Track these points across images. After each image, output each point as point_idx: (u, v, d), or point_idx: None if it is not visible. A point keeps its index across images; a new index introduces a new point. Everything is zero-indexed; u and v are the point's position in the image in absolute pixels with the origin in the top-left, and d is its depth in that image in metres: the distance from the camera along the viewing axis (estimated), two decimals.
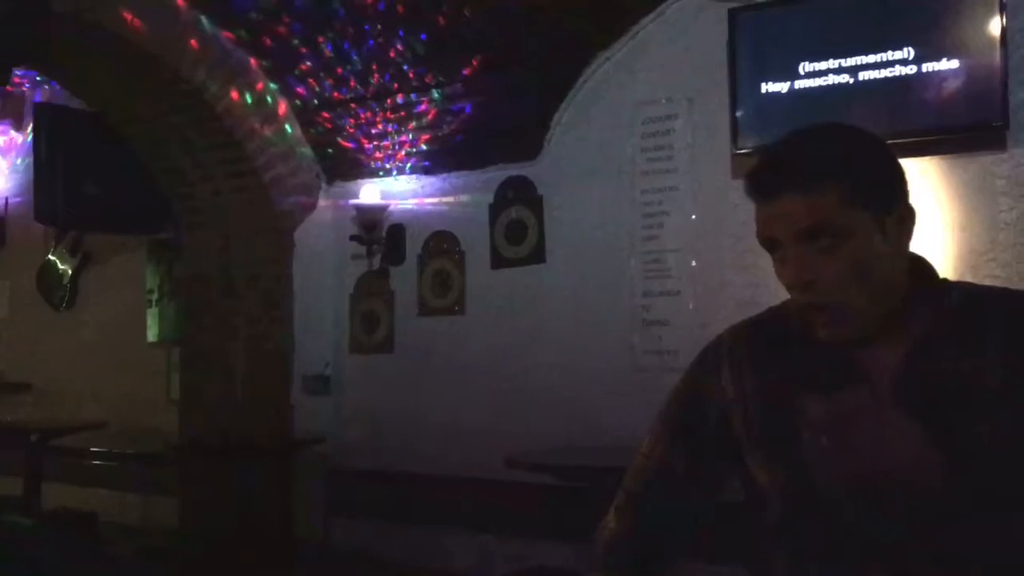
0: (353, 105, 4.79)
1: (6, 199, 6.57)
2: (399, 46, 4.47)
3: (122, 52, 4.32)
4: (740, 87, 3.68)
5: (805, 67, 3.55)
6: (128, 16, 4.23)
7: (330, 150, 4.99)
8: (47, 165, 5.35)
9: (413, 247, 4.80)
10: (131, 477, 5.71)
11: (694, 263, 3.92)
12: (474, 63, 4.38)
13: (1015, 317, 1.20)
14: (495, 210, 4.52)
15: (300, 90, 4.86)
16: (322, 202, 5.07)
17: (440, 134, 4.62)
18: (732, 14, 3.69)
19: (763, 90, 3.64)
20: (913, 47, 3.35)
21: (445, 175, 4.70)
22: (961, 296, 1.22)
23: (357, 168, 4.95)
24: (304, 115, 4.94)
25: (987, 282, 3.27)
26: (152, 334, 5.95)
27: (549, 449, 3.82)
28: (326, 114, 4.89)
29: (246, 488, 4.55)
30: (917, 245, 3.46)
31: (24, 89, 6.14)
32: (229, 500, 4.58)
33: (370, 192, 4.78)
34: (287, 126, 4.94)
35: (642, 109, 4.07)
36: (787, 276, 1.19)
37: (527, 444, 3.86)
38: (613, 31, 4.09)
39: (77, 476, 5.84)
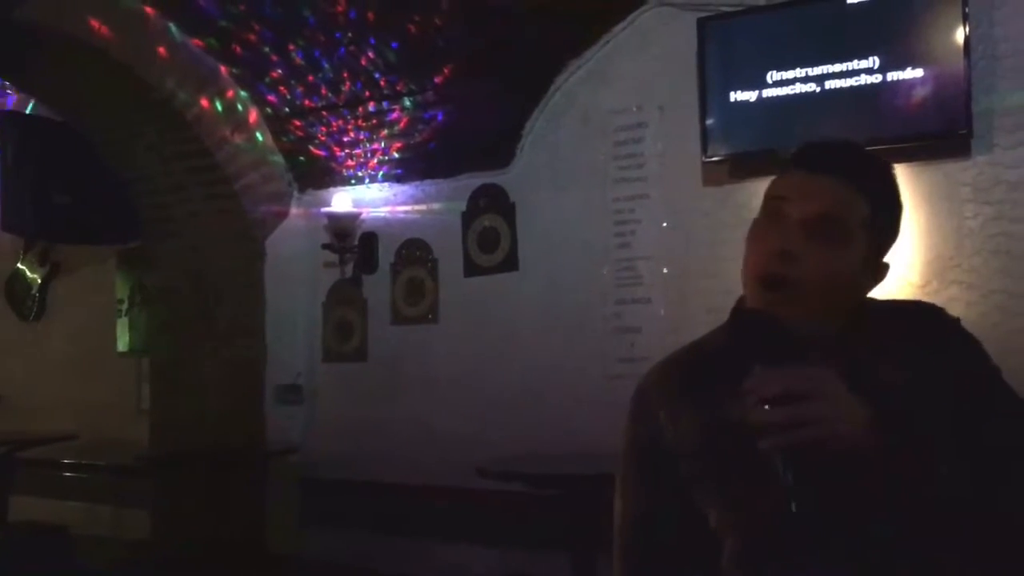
0: (325, 113, 4.78)
1: None
2: (370, 54, 4.47)
3: (90, 60, 4.28)
4: (709, 95, 3.71)
5: (773, 76, 3.58)
6: (96, 24, 4.20)
7: (302, 158, 4.97)
8: (15, 175, 5.29)
9: (386, 255, 4.79)
10: (101, 489, 5.65)
11: (665, 271, 3.94)
12: (446, 71, 4.38)
13: (913, 329, 1.26)
14: (468, 218, 4.52)
15: (271, 98, 4.83)
16: (294, 210, 5.05)
17: (412, 142, 4.62)
18: (701, 23, 3.72)
19: (732, 99, 3.66)
20: (879, 56, 3.39)
21: (417, 183, 4.69)
22: (873, 313, 1.27)
23: (329, 176, 4.93)
24: (275, 123, 4.92)
25: (953, 288, 3.33)
26: (122, 344, 5.90)
27: (522, 457, 3.82)
28: (297, 122, 4.87)
29: (218, 499, 4.51)
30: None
31: None
32: (201, 511, 4.55)
33: (342, 200, 4.77)
34: (258, 134, 4.92)
35: (613, 117, 4.09)
36: (771, 241, 1.19)
37: (500, 452, 3.85)
38: (584, 39, 4.10)
39: (47, 488, 5.77)
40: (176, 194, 4.93)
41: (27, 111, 5.46)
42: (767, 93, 3.60)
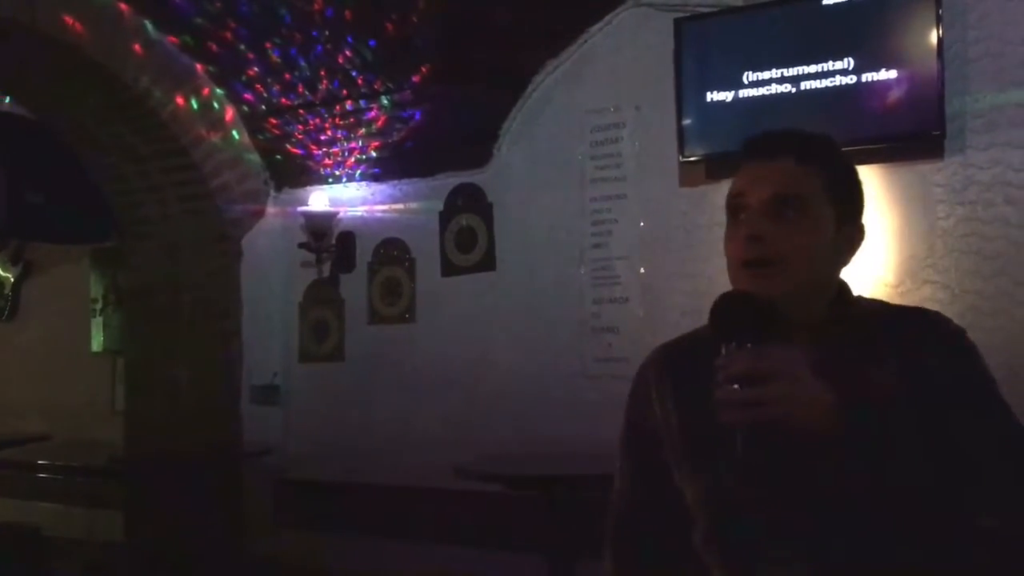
0: (301, 111, 4.75)
1: None
2: (347, 52, 4.45)
3: (63, 58, 4.24)
4: (686, 96, 3.72)
5: (749, 76, 3.60)
6: (69, 21, 4.15)
7: (278, 157, 4.94)
8: None
9: (363, 255, 4.77)
10: (75, 490, 5.60)
11: (642, 270, 3.96)
12: (423, 70, 4.37)
13: (909, 332, 1.26)
14: (445, 217, 4.51)
15: (247, 96, 4.80)
16: (270, 209, 5.02)
17: (390, 141, 4.61)
18: (678, 23, 3.73)
19: (708, 99, 3.68)
20: (853, 57, 3.41)
21: (395, 182, 4.68)
22: (869, 311, 1.30)
23: (306, 175, 4.90)
24: (251, 121, 4.89)
25: (926, 288, 3.36)
26: (96, 344, 5.85)
27: (499, 457, 3.82)
28: (274, 120, 4.84)
29: (193, 501, 4.47)
30: (860, 250, 3.51)
31: None
32: (176, 513, 4.51)
33: (319, 199, 4.74)
34: (234, 132, 4.88)
35: (590, 117, 4.09)
36: (743, 232, 1.24)
37: (478, 452, 3.85)
38: (561, 40, 4.11)
39: (20, 489, 5.71)
40: (151, 193, 4.89)
41: None
42: (743, 93, 3.61)
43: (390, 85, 4.48)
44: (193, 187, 4.79)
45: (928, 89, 3.28)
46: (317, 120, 4.74)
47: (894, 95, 3.36)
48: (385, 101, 4.54)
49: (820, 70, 3.47)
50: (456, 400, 4.33)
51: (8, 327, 6.27)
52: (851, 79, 3.42)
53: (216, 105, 4.80)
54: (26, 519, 5.28)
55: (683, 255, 3.78)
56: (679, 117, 3.73)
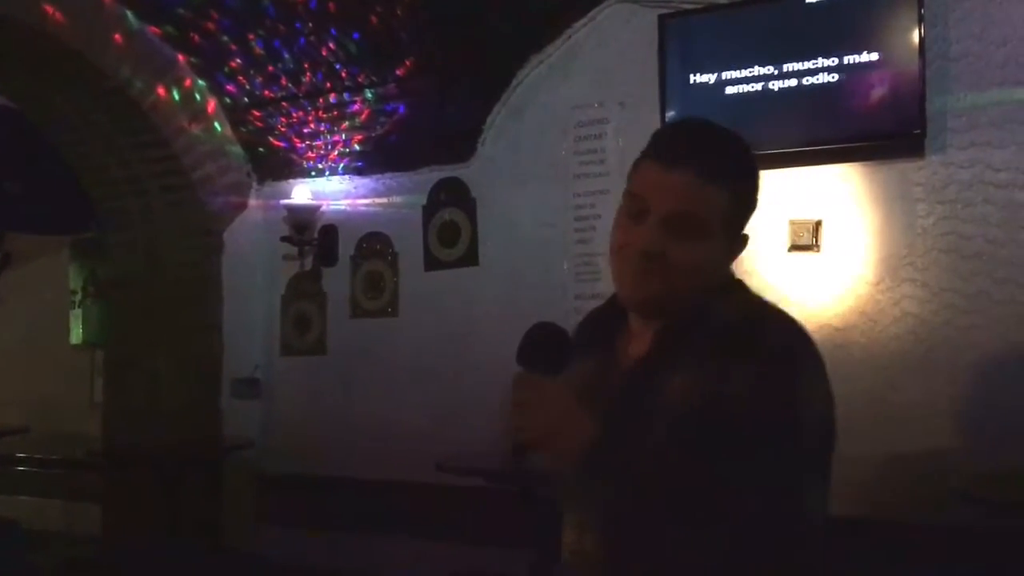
0: (285, 104, 4.73)
1: None
2: (331, 45, 4.43)
3: (43, 47, 4.19)
4: (669, 92, 3.73)
5: (732, 73, 3.61)
6: (49, 10, 4.10)
7: (261, 149, 4.92)
8: None
9: (346, 248, 4.75)
10: (54, 484, 5.56)
11: None
12: (407, 64, 4.36)
13: (736, 339, 1.23)
14: (428, 212, 4.50)
15: (230, 88, 4.77)
16: (253, 202, 4.99)
17: (373, 135, 4.59)
18: (662, 20, 3.74)
19: (692, 95, 3.69)
20: (836, 56, 3.43)
21: (378, 176, 4.67)
22: (719, 310, 1.27)
23: (289, 168, 4.88)
24: (234, 113, 4.86)
25: (905, 285, 3.39)
26: (75, 336, 5.81)
27: (481, 452, 3.82)
28: (257, 112, 4.81)
29: (172, 495, 4.45)
30: (839, 249, 3.52)
31: None
32: (154, 507, 4.48)
33: (302, 192, 4.72)
34: (216, 124, 4.85)
35: (574, 113, 4.09)
36: (637, 239, 1.25)
37: (459, 446, 3.85)
38: (546, 35, 4.10)
39: None
40: (131, 184, 4.84)
41: None
42: (727, 91, 3.63)
43: (374, 78, 4.47)
44: (174, 179, 4.75)
45: (909, 88, 3.30)
46: (300, 113, 4.72)
47: (876, 94, 3.38)
48: (369, 95, 4.53)
49: (802, 68, 3.48)
50: (438, 394, 4.33)
51: None
52: (833, 77, 3.44)
53: (198, 96, 4.77)
54: (4, 512, 5.25)
55: None
56: (663, 113, 3.73)
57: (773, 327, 1.26)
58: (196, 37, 4.58)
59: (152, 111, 4.56)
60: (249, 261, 4.93)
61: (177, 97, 4.66)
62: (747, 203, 1.30)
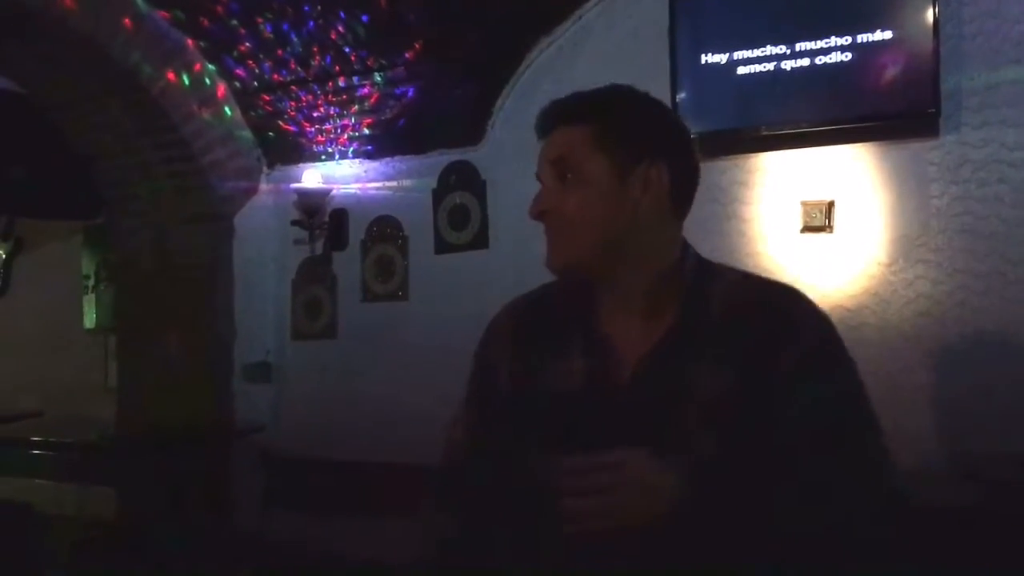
0: (294, 88, 4.71)
1: None
2: (340, 28, 4.41)
3: (51, 32, 4.19)
4: (680, 72, 3.69)
5: (744, 53, 3.58)
6: None
7: (271, 133, 4.91)
8: None
9: (356, 232, 4.75)
10: (68, 467, 5.60)
11: None
12: (416, 47, 4.33)
13: (765, 315, 1.19)
14: (438, 195, 4.49)
15: (239, 72, 4.76)
16: (263, 187, 4.99)
17: (383, 118, 4.58)
18: (672, 0, 3.71)
19: (703, 75, 3.66)
20: (848, 34, 3.39)
21: (388, 159, 4.66)
22: (721, 286, 1.24)
23: (299, 152, 4.88)
24: (244, 98, 4.85)
25: (919, 266, 3.36)
26: (89, 321, 5.84)
27: None
28: (266, 97, 4.80)
29: (185, 478, 4.48)
30: (851, 230, 3.49)
31: None
32: (167, 490, 4.51)
33: (312, 176, 4.72)
34: (226, 109, 4.84)
35: None
36: (531, 207, 1.27)
37: None
38: (555, 16, 4.08)
39: (12, 466, 5.70)
40: (141, 170, 4.85)
41: None
42: (738, 71, 3.59)
43: (383, 62, 4.45)
44: (184, 164, 4.75)
45: (923, 67, 3.26)
46: (310, 97, 4.71)
47: (889, 73, 3.34)
48: (378, 78, 4.51)
49: (815, 47, 3.44)
50: (449, 378, 4.30)
51: (0, 304, 6.25)
52: (846, 56, 3.40)
53: (207, 81, 4.76)
54: (19, 495, 5.29)
55: None
56: (673, 94, 3.70)
57: (795, 298, 1.24)
58: (205, 21, 4.56)
59: (161, 96, 4.55)
60: (260, 246, 4.94)
61: (187, 82, 4.66)
62: (622, 133, 1.24)
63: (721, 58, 3.62)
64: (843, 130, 3.47)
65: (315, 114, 4.75)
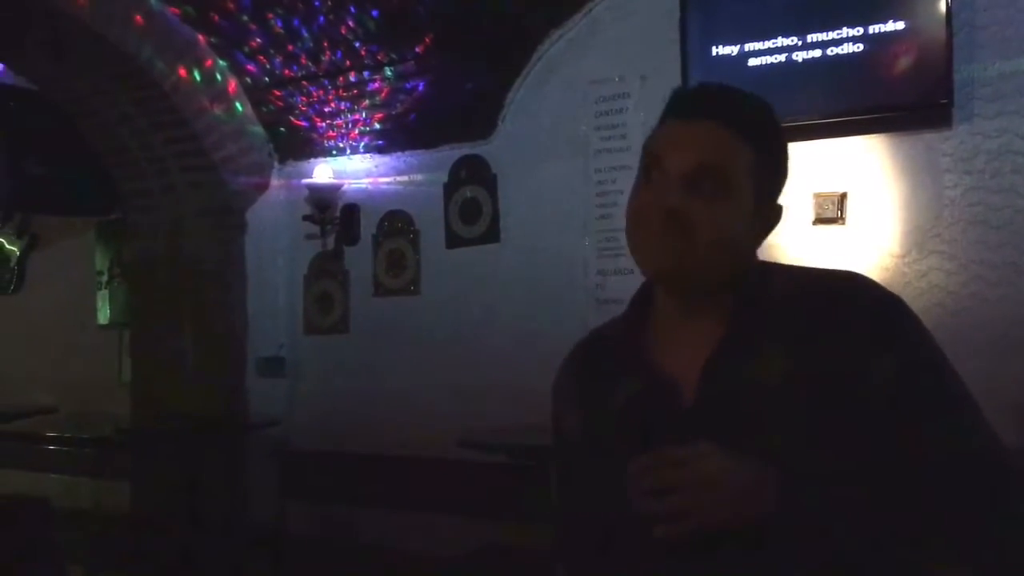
0: (305, 83, 4.73)
1: None
2: (350, 23, 4.41)
3: (64, 29, 4.21)
4: (691, 64, 3.68)
5: (755, 45, 3.57)
6: None
7: (282, 129, 4.92)
8: None
9: (367, 227, 4.76)
10: (83, 462, 5.64)
11: None
12: (426, 40, 4.33)
13: (825, 305, 1.12)
14: (449, 189, 4.49)
15: (250, 67, 4.78)
16: (274, 182, 5.01)
17: (393, 112, 4.58)
18: None
19: (714, 67, 3.64)
20: (861, 25, 3.37)
21: (399, 154, 4.66)
22: (778, 284, 1.16)
23: (310, 147, 4.89)
24: (255, 93, 4.86)
25: (933, 258, 3.34)
26: (103, 317, 5.86)
27: (504, 428, 3.83)
28: (277, 92, 4.81)
29: (199, 472, 4.50)
30: (864, 221, 3.49)
31: None
32: (182, 484, 4.54)
33: (323, 171, 4.73)
34: (237, 104, 4.86)
35: (595, 87, 4.06)
36: (656, 198, 1.11)
37: (483, 423, 3.86)
38: (566, 8, 4.07)
39: (28, 461, 5.75)
40: (153, 165, 4.87)
41: None
42: (750, 62, 3.58)
43: (393, 56, 4.45)
44: (196, 159, 4.77)
45: (936, 57, 3.24)
46: (320, 92, 4.72)
47: (901, 63, 3.32)
48: (388, 72, 4.51)
49: (827, 38, 3.43)
50: (461, 371, 4.34)
51: (14, 300, 6.28)
52: (858, 47, 3.38)
53: (219, 77, 4.78)
54: (35, 491, 5.33)
55: None
56: (684, 86, 3.69)
57: (860, 281, 1.16)
58: (216, 17, 4.57)
59: (173, 92, 4.57)
60: (272, 241, 4.96)
61: (198, 78, 4.67)
62: (774, 166, 1.16)
63: (732, 50, 3.61)
64: (855, 121, 3.45)
65: (326, 109, 4.75)
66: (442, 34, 4.27)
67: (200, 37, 4.67)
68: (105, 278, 5.86)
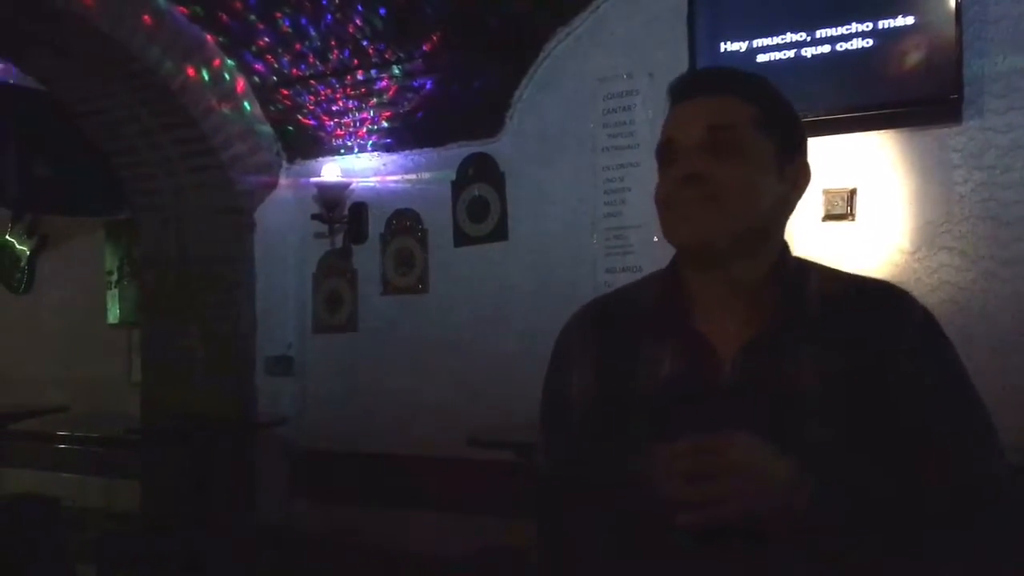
0: (312, 82, 4.73)
1: None
2: (358, 21, 4.41)
3: (71, 29, 4.22)
4: (700, 61, 3.67)
5: (764, 41, 3.56)
6: None
7: (290, 128, 4.93)
8: None
9: (375, 225, 4.76)
10: (93, 461, 5.66)
11: (656, 239, 3.92)
12: (434, 39, 4.33)
13: (867, 309, 1.15)
14: (457, 187, 4.49)
15: (258, 67, 4.78)
16: (283, 181, 5.01)
17: (401, 111, 4.58)
18: None
19: (723, 63, 3.62)
20: (870, 20, 3.36)
21: (407, 152, 4.66)
22: (817, 281, 1.18)
23: (318, 146, 4.89)
24: (263, 92, 4.87)
25: (943, 254, 3.33)
26: (112, 316, 5.89)
27: (512, 426, 3.82)
28: (285, 91, 4.82)
29: (208, 471, 4.51)
30: (874, 217, 3.46)
31: None
32: (191, 483, 4.55)
33: (331, 170, 4.73)
34: (246, 103, 4.86)
35: (603, 85, 4.05)
36: (675, 172, 1.14)
37: (491, 421, 3.86)
38: (573, 6, 4.06)
39: (39, 460, 5.77)
40: (162, 165, 4.88)
41: (7, 81, 5.39)
42: (758, 58, 3.57)
43: (401, 54, 4.45)
44: (204, 159, 4.78)
45: (946, 52, 3.22)
46: (328, 91, 4.72)
47: (911, 59, 3.30)
48: (396, 71, 4.51)
49: (836, 34, 3.41)
50: (469, 369, 4.34)
51: (25, 300, 6.31)
52: (867, 42, 3.37)
53: (227, 76, 4.78)
54: (46, 490, 5.35)
55: None
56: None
57: (898, 290, 1.20)
58: (224, 16, 4.58)
59: (181, 91, 4.58)
60: (280, 240, 4.96)
61: (206, 77, 4.68)
62: (784, 122, 1.18)
63: (740, 45, 3.60)
64: (865, 117, 3.43)
65: (334, 108, 4.76)
66: (450, 32, 4.27)
67: (208, 36, 4.68)
68: (115, 278, 5.88)
